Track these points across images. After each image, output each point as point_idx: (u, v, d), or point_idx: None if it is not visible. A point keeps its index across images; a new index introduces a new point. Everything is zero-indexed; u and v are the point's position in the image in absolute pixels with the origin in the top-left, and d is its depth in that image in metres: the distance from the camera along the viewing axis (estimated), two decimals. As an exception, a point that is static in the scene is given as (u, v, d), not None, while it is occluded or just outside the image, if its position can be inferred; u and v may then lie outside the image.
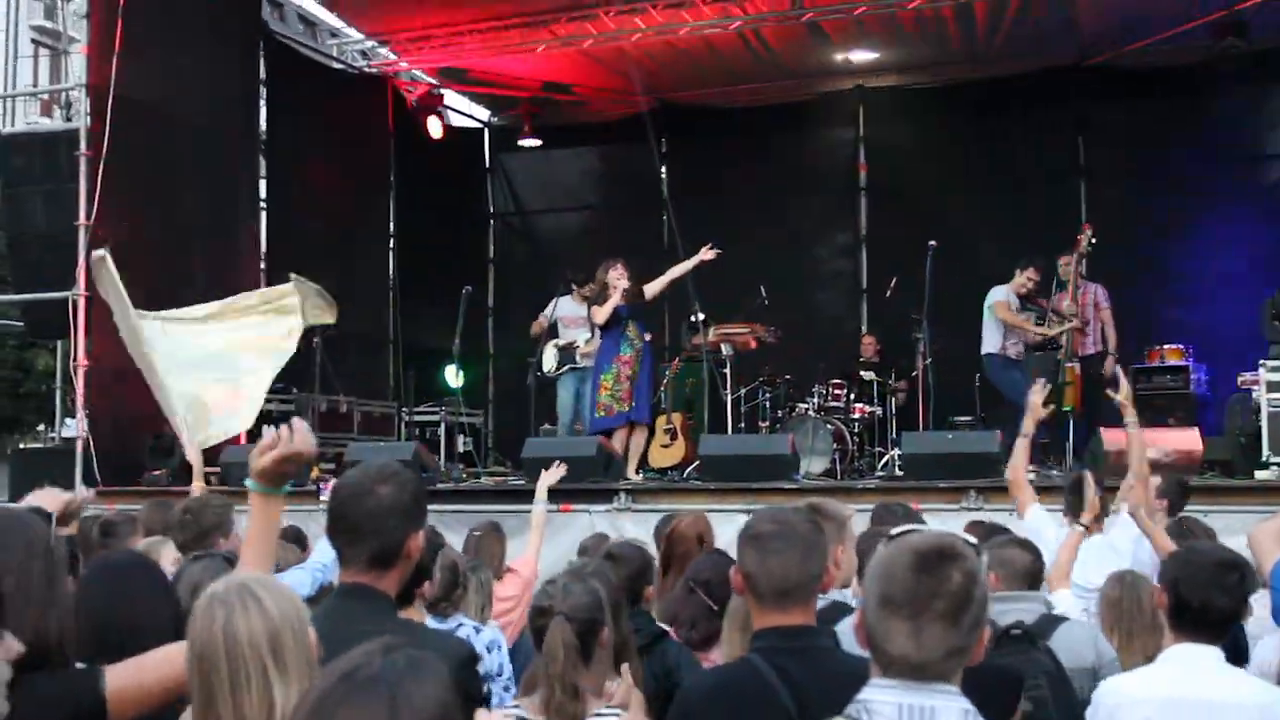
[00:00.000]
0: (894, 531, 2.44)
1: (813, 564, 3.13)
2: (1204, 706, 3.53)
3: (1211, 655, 3.63)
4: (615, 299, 11.21)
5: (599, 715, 3.54)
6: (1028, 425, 6.07)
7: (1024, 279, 11.82)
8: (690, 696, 3.19)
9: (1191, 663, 3.61)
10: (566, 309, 12.36)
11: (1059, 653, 3.88)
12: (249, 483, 3.04)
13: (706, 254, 11.55)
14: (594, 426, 11.39)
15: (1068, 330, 11.90)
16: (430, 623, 4.89)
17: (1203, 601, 3.60)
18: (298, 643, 2.46)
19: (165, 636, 2.88)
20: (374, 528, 3.05)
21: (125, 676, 2.73)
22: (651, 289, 11.59)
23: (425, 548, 3.51)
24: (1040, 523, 5.61)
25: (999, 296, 11.84)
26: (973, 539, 2.44)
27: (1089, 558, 5.31)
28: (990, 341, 11.88)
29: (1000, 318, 11.78)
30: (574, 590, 3.64)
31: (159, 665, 2.76)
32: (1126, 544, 5.51)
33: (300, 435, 3.03)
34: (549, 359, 12.23)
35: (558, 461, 8.24)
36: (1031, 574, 4.46)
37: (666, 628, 4.69)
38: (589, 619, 3.58)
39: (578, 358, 11.99)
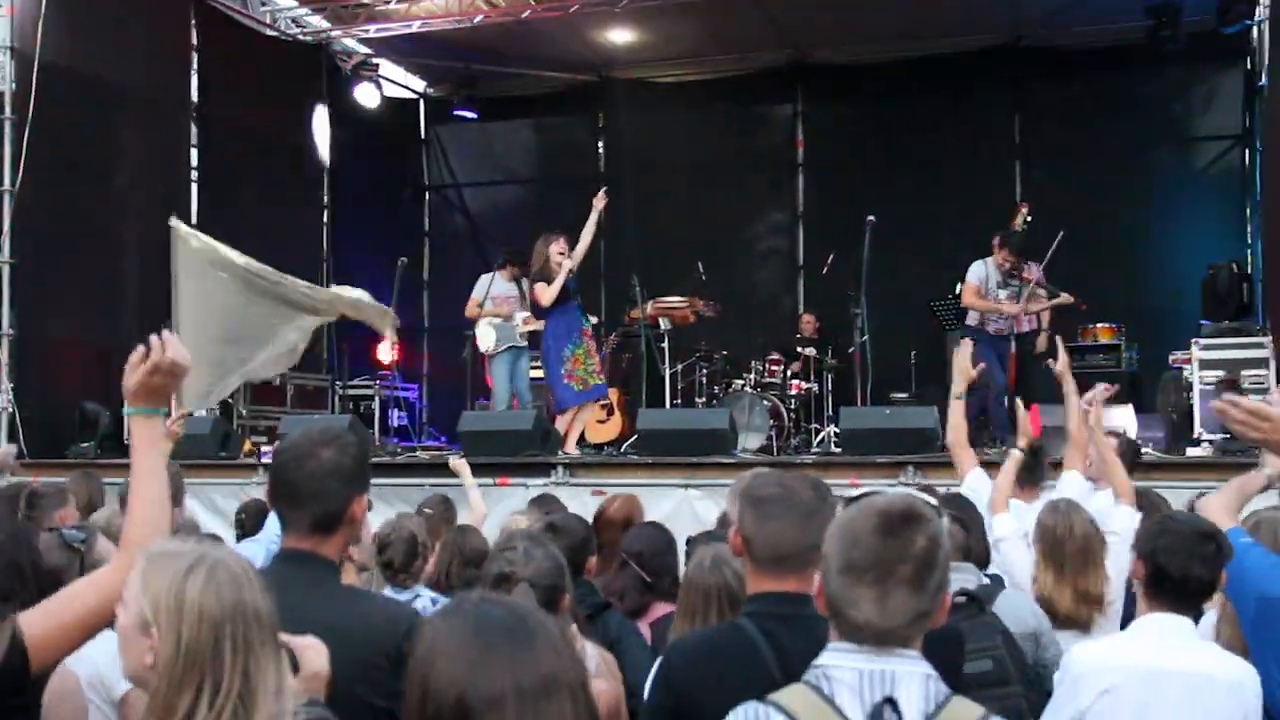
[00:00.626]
0: (854, 493, 2.39)
1: (812, 532, 3.06)
2: (1173, 677, 3.53)
3: (1184, 626, 3.64)
4: (563, 275, 11.05)
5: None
6: (958, 386, 5.99)
7: (1001, 256, 11.44)
8: (676, 655, 3.13)
9: (1163, 633, 3.62)
10: (500, 288, 12.09)
11: (1001, 618, 3.91)
12: (126, 409, 2.88)
13: (599, 202, 11.39)
14: (573, 400, 11.18)
15: (1049, 305, 11.78)
16: (389, 593, 4.83)
17: (1182, 571, 3.59)
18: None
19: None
20: (315, 491, 2.97)
21: (42, 620, 2.65)
22: (575, 259, 11.39)
23: None
24: (980, 485, 5.56)
25: (971, 278, 11.42)
26: (932, 500, 2.40)
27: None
28: (970, 316, 11.61)
29: (966, 303, 11.51)
30: (536, 555, 3.62)
31: (72, 602, 2.67)
32: (1077, 498, 5.52)
33: (171, 346, 2.87)
34: (486, 337, 12.04)
35: (454, 455, 8.19)
36: (964, 547, 4.48)
37: (607, 600, 4.69)
38: (551, 585, 3.55)
39: (517, 336, 11.81)
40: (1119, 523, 4.91)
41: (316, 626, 2.57)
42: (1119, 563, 4.58)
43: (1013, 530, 5.00)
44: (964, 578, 4.17)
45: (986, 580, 4.45)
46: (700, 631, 3.50)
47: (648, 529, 4.99)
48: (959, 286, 11.97)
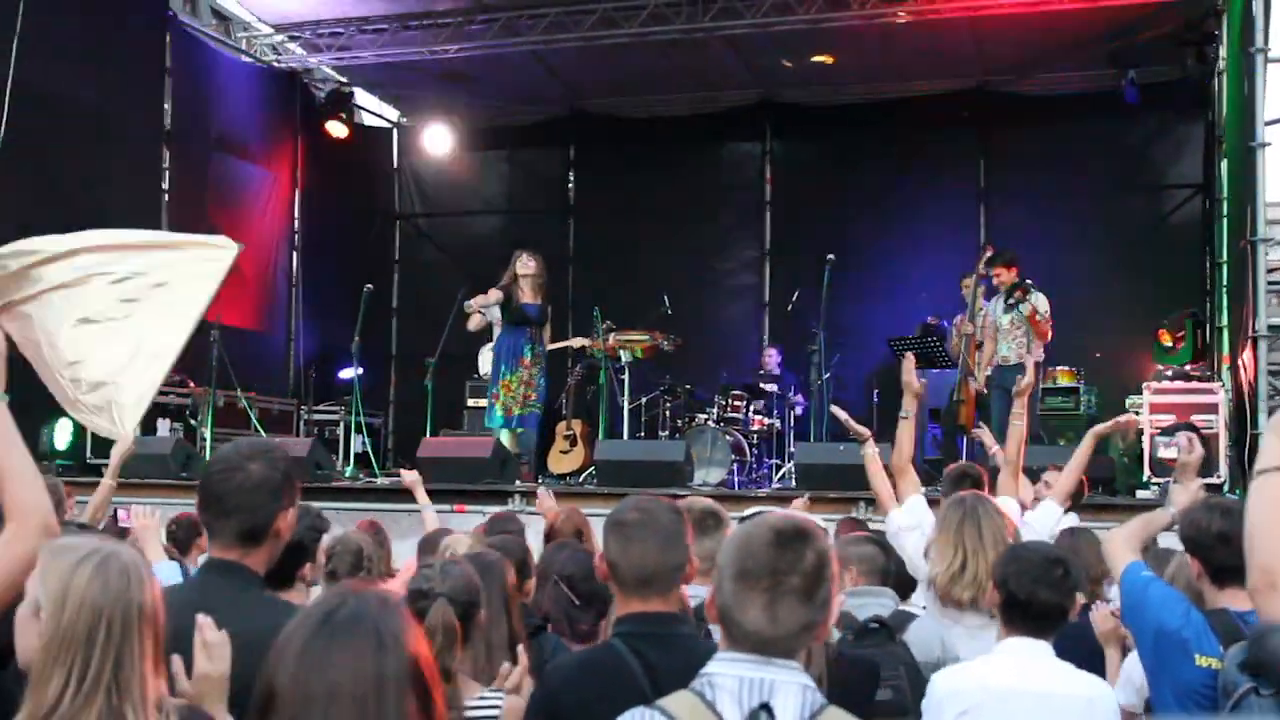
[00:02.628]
0: (745, 513, 2.51)
1: (674, 554, 3.19)
2: (1033, 697, 3.66)
3: (1041, 649, 3.77)
4: (497, 292, 11.34)
5: (482, 699, 3.58)
6: (907, 405, 6.03)
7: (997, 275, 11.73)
8: (553, 676, 3.24)
9: (1022, 656, 3.75)
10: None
11: (911, 646, 4.03)
12: None
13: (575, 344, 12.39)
14: (492, 422, 11.47)
15: (963, 349, 12.07)
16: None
17: (1029, 595, 3.74)
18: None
19: None
20: (241, 504, 3.06)
21: None
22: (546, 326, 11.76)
23: (306, 530, 3.54)
24: (920, 513, 5.48)
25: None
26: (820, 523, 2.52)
27: None
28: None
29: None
30: (453, 573, 3.68)
31: None
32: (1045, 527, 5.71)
33: None
34: (484, 362, 12.34)
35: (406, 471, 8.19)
36: (885, 571, 4.60)
37: (544, 621, 4.74)
38: (468, 601, 3.62)
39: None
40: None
41: (236, 635, 2.67)
42: None
43: (906, 524, 5.27)
44: (881, 603, 4.29)
45: (899, 607, 4.56)
46: (575, 653, 3.61)
47: (575, 551, 5.08)
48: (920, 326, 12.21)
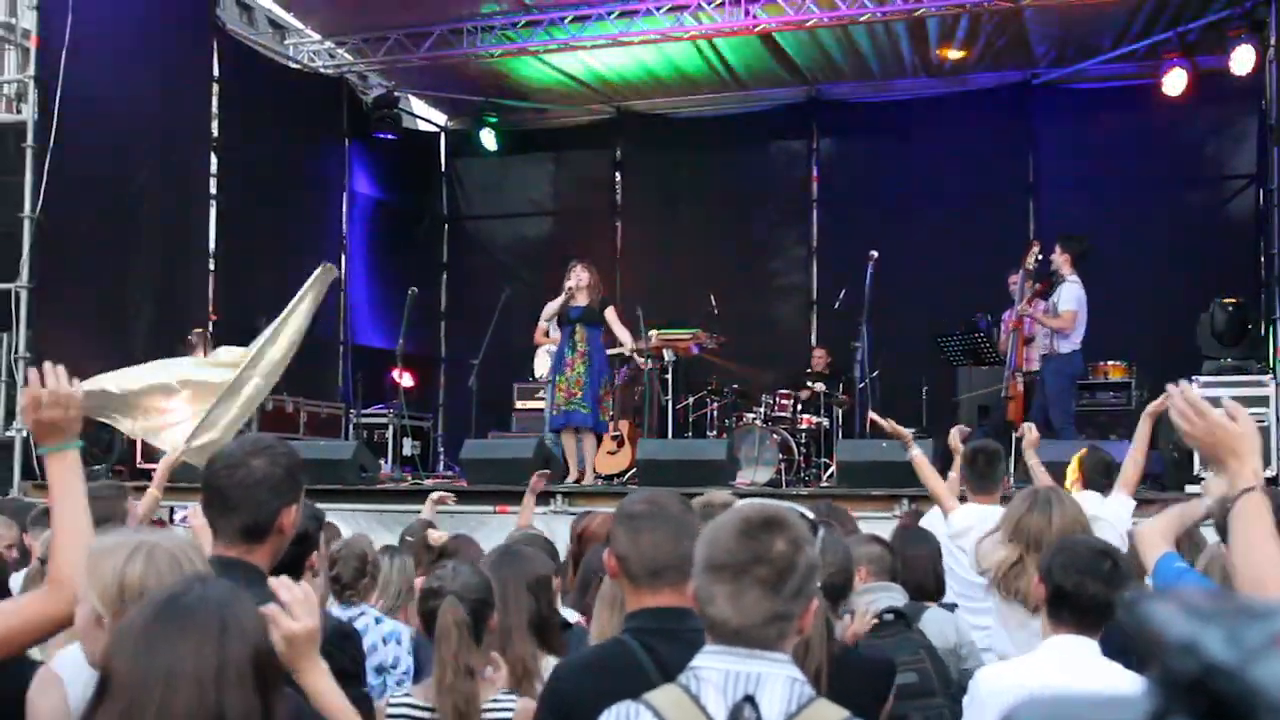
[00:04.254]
0: (739, 503, 2.48)
1: (685, 544, 3.14)
2: None
3: (1088, 646, 3.65)
4: (555, 303, 11.35)
5: (495, 701, 3.56)
6: (905, 443, 6.40)
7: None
8: (562, 673, 3.21)
9: (1068, 654, 3.63)
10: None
11: (926, 634, 3.99)
12: (36, 450, 3.00)
13: (639, 348, 12.18)
14: (553, 423, 11.58)
15: (1010, 345, 11.98)
16: (336, 610, 4.91)
17: (1076, 587, 3.60)
18: None
19: None
20: (244, 500, 3.06)
21: None
22: (610, 316, 11.66)
23: (307, 520, 3.55)
24: (971, 519, 5.53)
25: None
26: (810, 513, 2.48)
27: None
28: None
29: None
30: (463, 572, 3.69)
31: (20, 612, 2.77)
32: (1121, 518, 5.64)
33: (49, 377, 2.96)
34: (541, 364, 12.40)
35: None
36: (893, 570, 4.56)
37: (573, 618, 4.73)
38: (479, 599, 3.61)
39: None
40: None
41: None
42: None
43: (963, 526, 5.22)
44: (891, 596, 4.25)
45: (907, 599, 4.53)
46: (584, 650, 3.57)
47: (612, 548, 5.07)
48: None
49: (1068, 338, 11.40)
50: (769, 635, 2.33)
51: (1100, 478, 6.26)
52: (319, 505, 4.20)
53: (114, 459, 11.70)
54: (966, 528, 5.32)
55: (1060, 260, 11.51)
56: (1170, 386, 3.03)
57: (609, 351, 12.20)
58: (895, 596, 4.34)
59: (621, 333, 11.84)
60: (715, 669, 2.32)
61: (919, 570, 5.05)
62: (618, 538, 3.13)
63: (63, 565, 2.80)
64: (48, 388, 2.96)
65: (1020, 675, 3.64)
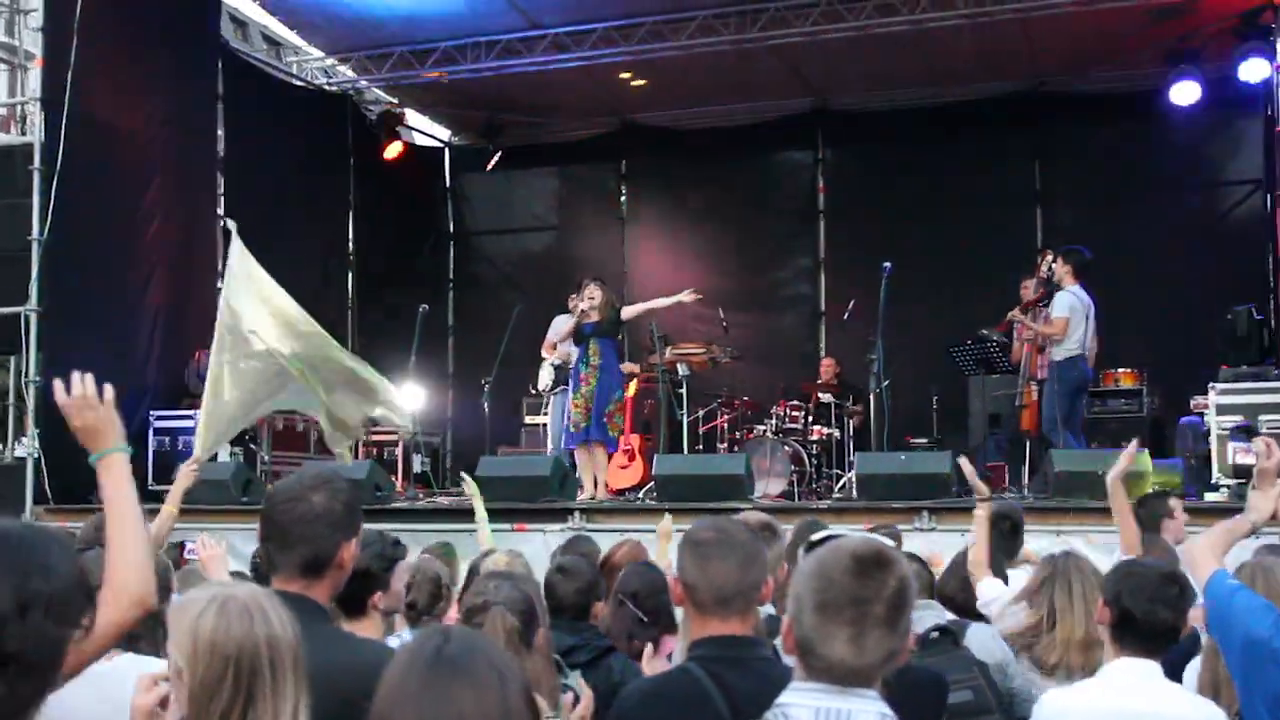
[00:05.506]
0: (815, 537, 2.44)
1: (753, 573, 3.11)
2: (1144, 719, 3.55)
3: (1152, 670, 3.64)
4: (570, 321, 11.36)
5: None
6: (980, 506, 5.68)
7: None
8: (627, 701, 3.18)
9: (1132, 677, 3.63)
10: (563, 326, 12.39)
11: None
12: (91, 459, 2.97)
13: (688, 296, 11.71)
14: (568, 441, 11.54)
15: (1024, 354, 11.97)
16: (407, 634, 4.85)
17: (1145, 614, 3.62)
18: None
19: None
20: (304, 535, 3.03)
21: None
22: (628, 312, 11.64)
23: (374, 558, 3.52)
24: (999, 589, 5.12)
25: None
26: (893, 542, 2.45)
27: None
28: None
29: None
30: (505, 586, 3.65)
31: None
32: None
33: (75, 385, 2.96)
34: (544, 377, 12.39)
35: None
36: (930, 585, 4.53)
37: (612, 643, 4.70)
38: (527, 610, 3.58)
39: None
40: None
41: (311, 670, 2.64)
42: None
43: (1001, 593, 4.88)
44: (934, 615, 4.23)
45: (953, 616, 4.50)
46: (649, 678, 3.54)
47: (641, 569, 5.03)
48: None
49: (1061, 345, 11.42)
50: (879, 673, 2.31)
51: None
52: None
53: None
54: (989, 599, 5.19)
55: (1062, 271, 11.54)
56: (1262, 440, 3.02)
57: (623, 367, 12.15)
58: (937, 615, 4.32)
59: (644, 306, 11.90)
60: (805, 706, 2.29)
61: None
62: (685, 565, 3.10)
63: (120, 569, 2.78)
64: (73, 394, 2.96)
65: (1088, 698, 3.62)
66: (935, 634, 3.95)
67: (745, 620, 3.10)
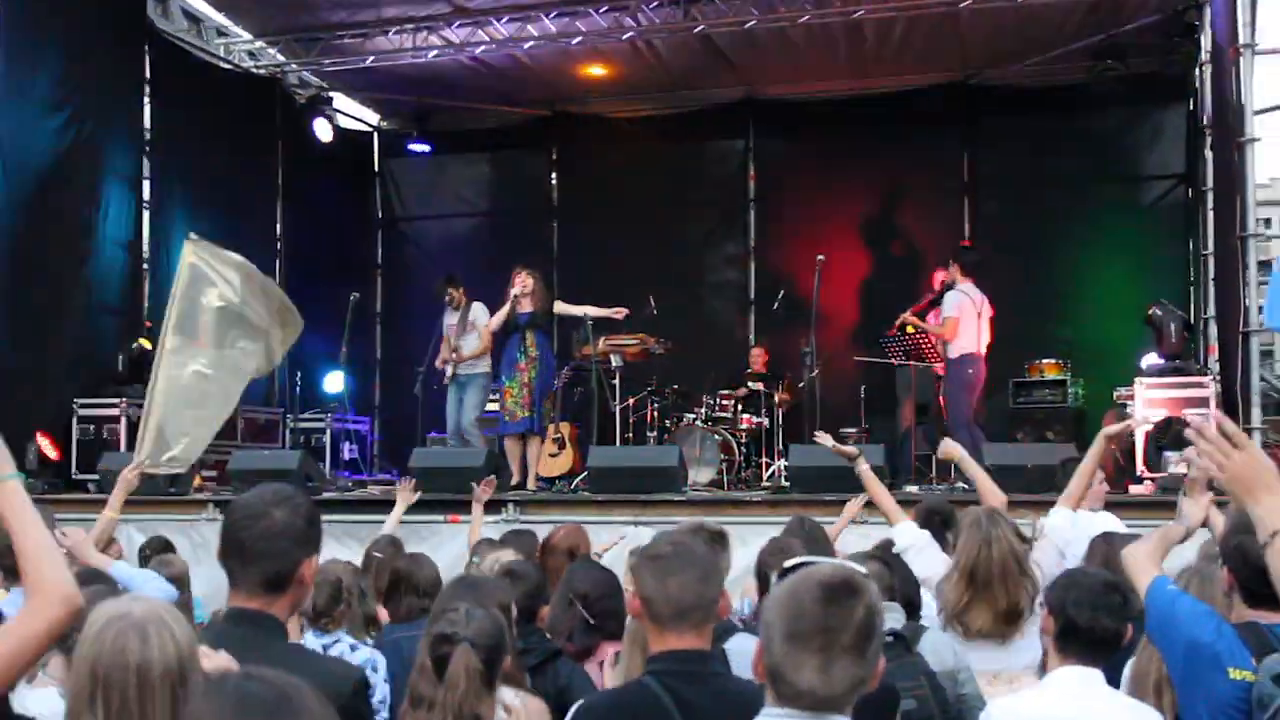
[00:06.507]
0: (788, 564, 2.46)
1: (711, 587, 3.15)
2: None
3: (1094, 678, 3.72)
4: (503, 310, 11.36)
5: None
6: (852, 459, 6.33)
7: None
8: (586, 715, 3.19)
9: (1075, 684, 3.70)
10: (449, 319, 12.43)
11: (925, 656, 4.05)
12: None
13: (618, 314, 11.96)
14: (500, 429, 11.61)
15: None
16: (310, 637, 4.83)
17: (1090, 622, 3.70)
18: (196, 670, 2.55)
19: None
20: (266, 551, 3.01)
21: None
22: (560, 309, 11.70)
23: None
24: (913, 536, 5.48)
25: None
26: (863, 569, 2.48)
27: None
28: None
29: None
30: (477, 616, 3.58)
31: (13, 632, 2.71)
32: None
33: None
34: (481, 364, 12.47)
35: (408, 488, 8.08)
36: (891, 588, 4.61)
37: (559, 646, 4.69)
38: (494, 645, 3.53)
39: (457, 367, 12.12)
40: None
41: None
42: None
43: (916, 537, 5.33)
44: (892, 617, 4.29)
45: (909, 620, 4.57)
46: (607, 691, 3.55)
47: (594, 571, 5.03)
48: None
49: (955, 343, 11.64)
50: (848, 701, 2.34)
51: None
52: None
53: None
54: (904, 546, 5.36)
55: (952, 270, 11.79)
56: (1192, 416, 3.07)
57: (560, 310, 12.17)
58: (896, 617, 4.37)
59: (578, 309, 11.99)
60: None
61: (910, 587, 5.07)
62: (643, 579, 3.12)
63: (36, 576, 2.71)
64: None
65: (1034, 707, 3.69)
66: (890, 638, 3.99)
67: (702, 634, 3.13)
